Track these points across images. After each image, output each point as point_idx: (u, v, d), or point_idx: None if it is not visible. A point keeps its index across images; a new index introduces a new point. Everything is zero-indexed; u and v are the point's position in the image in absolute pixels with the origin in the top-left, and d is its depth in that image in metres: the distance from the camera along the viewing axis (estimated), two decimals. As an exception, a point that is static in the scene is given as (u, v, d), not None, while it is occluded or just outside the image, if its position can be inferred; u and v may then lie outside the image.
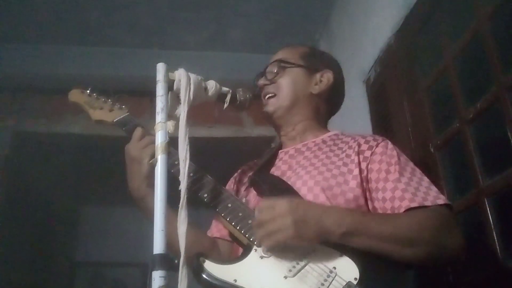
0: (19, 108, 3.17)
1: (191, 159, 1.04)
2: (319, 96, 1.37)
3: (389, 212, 1.10)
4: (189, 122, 1.05)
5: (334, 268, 0.99)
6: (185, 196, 0.98)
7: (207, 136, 3.26)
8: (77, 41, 3.14)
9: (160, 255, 0.86)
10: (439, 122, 1.81)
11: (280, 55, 1.40)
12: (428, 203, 1.07)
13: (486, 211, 1.45)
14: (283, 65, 1.35)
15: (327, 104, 1.41)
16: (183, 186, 0.99)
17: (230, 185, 1.43)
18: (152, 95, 1.06)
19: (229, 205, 1.14)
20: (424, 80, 1.90)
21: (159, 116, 1.03)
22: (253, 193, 1.25)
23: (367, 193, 1.16)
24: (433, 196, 1.10)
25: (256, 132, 3.34)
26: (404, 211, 1.07)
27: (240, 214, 1.11)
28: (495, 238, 1.42)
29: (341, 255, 1.00)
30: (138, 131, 1.27)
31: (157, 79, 1.07)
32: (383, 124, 2.13)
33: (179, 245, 0.93)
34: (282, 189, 1.17)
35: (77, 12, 2.89)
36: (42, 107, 3.20)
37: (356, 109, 2.32)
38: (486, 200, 1.46)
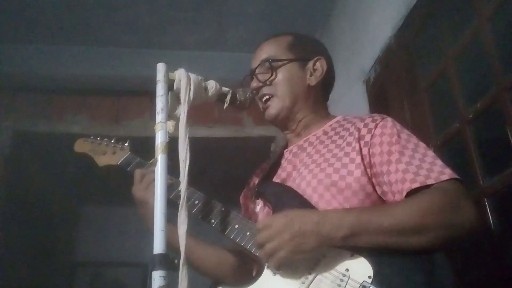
0: (19, 108, 3.18)
1: (191, 161, 1.04)
2: (316, 86, 1.32)
3: (397, 195, 1.05)
4: (189, 122, 1.05)
5: (347, 270, 0.98)
6: (185, 196, 0.98)
7: (207, 136, 3.26)
8: (77, 41, 3.14)
9: (160, 255, 0.86)
10: (439, 122, 1.82)
11: (265, 51, 1.33)
12: (431, 181, 1.01)
13: (486, 211, 1.45)
14: (273, 64, 1.29)
15: (324, 91, 1.37)
16: (183, 187, 0.99)
17: (247, 193, 1.42)
18: (152, 95, 1.06)
19: (236, 226, 1.14)
20: (424, 80, 1.90)
21: (159, 116, 1.03)
22: (261, 204, 1.25)
23: (373, 179, 1.11)
24: (437, 172, 1.03)
25: (256, 132, 3.34)
26: (407, 194, 1.02)
27: (248, 233, 1.11)
28: (495, 238, 1.42)
29: (352, 255, 0.99)
30: (137, 174, 1.33)
31: (157, 79, 1.07)
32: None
33: (180, 242, 0.93)
34: (286, 196, 1.16)
35: (77, 12, 2.89)
36: (42, 107, 3.20)
37: (356, 109, 2.32)
38: (486, 200, 1.46)
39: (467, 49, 1.64)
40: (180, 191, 1.01)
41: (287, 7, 2.90)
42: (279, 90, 1.29)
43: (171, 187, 1.13)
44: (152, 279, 0.84)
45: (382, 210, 1.03)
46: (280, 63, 1.30)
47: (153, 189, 1.20)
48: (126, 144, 1.48)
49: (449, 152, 1.73)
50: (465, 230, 0.99)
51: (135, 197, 1.30)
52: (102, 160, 1.49)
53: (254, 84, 1.31)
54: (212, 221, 1.18)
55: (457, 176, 1.04)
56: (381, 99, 2.19)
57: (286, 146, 1.37)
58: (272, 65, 1.29)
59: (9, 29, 2.97)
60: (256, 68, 1.32)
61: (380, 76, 2.20)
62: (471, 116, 1.57)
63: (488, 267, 1.48)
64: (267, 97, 1.30)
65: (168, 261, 0.87)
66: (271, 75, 1.29)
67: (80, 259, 4.86)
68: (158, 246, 0.87)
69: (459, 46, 1.67)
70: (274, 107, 1.29)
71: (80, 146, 1.58)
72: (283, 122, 1.33)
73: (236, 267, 1.32)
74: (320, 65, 1.33)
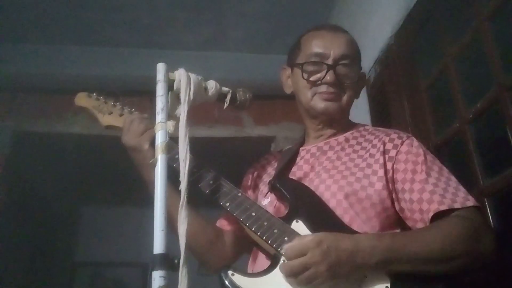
0: (19, 108, 3.17)
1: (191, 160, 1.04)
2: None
3: (417, 213, 1.08)
4: (189, 122, 1.05)
5: (365, 277, 0.98)
6: (185, 196, 0.98)
7: (207, 136, 3.25)
8: (77, 41, 3.14)
9: (160, 255, 0.86)
10: (439, 122, 1.82)
11: (352, 48, 1.28)
12: (457, 205, 1.05)
13: (486, 211, 1.45)
14: (360, 80, 1.31)
15: None
16: (183, 186, 0.99)
17: (247, 181, 1.40)
18: (152, 95, 1.06)
19: (253, 213, 1.12)
20: (424, 80, 1.90)
21: (159, 116, 1.03)
22: (271, 198, 1.23)
23: (393, 194, 1.13)
24: (462, 198, 1.07)
25: (256, 132, 3.34)
26: (433, 215, 1.05)
27: (265, 224, 1.10)
28: (495, 238, 1.41)
29: None
30: (128, 119, 1.29)
31: (157, 79, 1.07)
32: (383, 124, 2.12)
33: (180, 242, 0.93)
34: (305, 197, 1.15)
35: (77, 12, 2.89)
36: (42, 107, 3.20)
37: (356, 109, 2.29)
38: (486, 200, 1.46)
39: (467, 49, 1.64)
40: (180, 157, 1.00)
41: (287, 7, 2.90)
42: (346, 98, 1.28)
43: (172, 152, 1.08)
44: (152, 279, 0.84)
45: (414, 239, 1.03)
46: (361, 75, 1.33)
47: (148, 136, 1.22)
48: (133, 110, 1.39)
49: (449, 152, 1.73)
50: (486, 258, 1.04)
51: (127, 146, 1.26)
52: (107, 120, 1.39)
53: (331, 77, 1.23)
54: (227, 204, 1.15)
55: (478, 204, 1.09)
56: (381, 99, 2.19)
57: (301, 144, 1.35)
58: (358, 71, 1.30)
59: (9, 29, 2.97)
60: (343, 62, 1.25)
61: (380, 76, 2.20)
62: (471, 116, 1.57)
63: (488, 267, 1.47)
64: (333, 96, 1.26)
65: (168, 261, 0.86)
66: (352, 81, 1.27)
67: (80, 259, 4.85)
68: (158, 246, 0.87)
69: (459, 46, 1.67)
70: (338, 105, 1.27)
71: (83, 100, 1.45)
72: (329, 121, 1.30)
73: (215, 239, 1.29)
74: (363, 84, 1.40)
